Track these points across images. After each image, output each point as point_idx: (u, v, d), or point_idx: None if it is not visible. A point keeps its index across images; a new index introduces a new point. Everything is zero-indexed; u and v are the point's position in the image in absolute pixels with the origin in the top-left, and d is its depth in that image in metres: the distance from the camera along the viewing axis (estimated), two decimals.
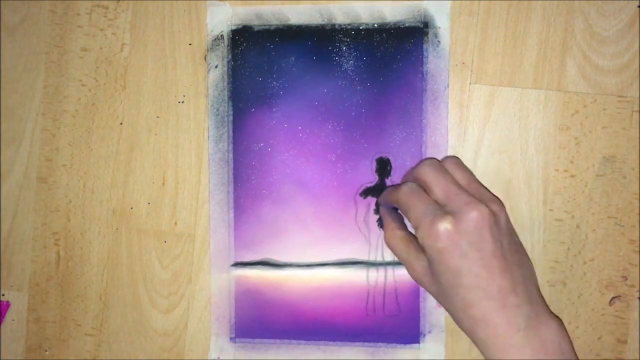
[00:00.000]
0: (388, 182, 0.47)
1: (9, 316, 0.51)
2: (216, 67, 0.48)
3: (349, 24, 0.47)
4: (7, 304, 0.51)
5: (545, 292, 0.46)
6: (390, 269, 0.48)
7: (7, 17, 0.50)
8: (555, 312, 0.46)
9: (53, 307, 0.51)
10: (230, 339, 0.49)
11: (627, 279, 0.46)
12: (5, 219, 0.51)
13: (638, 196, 0.46)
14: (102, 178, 0.50)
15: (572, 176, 0.46)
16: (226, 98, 0.48)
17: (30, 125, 0.50)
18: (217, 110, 0.49)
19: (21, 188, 0.50)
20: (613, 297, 0.46)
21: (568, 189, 0.46)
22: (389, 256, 0.48)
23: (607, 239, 0.46)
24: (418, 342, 0.48)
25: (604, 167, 0.46)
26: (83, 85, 0.50)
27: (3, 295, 0.51)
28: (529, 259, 0.41)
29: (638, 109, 0.45)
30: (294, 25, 0.48)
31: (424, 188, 0.41)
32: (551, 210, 0.46)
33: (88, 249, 0.50)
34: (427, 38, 0.47)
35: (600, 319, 0.46)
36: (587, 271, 0.46)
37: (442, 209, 0.38)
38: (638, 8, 0.45)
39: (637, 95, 0.45)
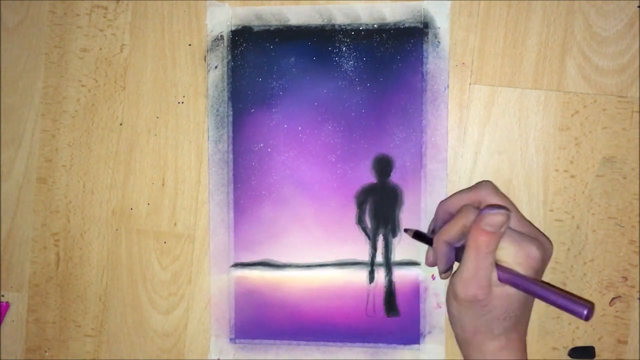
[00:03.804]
0: (388, 182, 0.47)
1: (8, 317, 0.51)
2: (216, 67, 0.48)
3: (348, 25, 0.47)
4: (7, 305, 0.51)
5: None
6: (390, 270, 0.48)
7: (7, 17, 0.50)
8: (556, 313, 0.46)
9: (53, 308, 0.51)
10: (230, 339, 0.49)
11: (627, 279, 0.46)
12: (4, 220, 0.51)
13: (638, 196, 0.46)
14: (102, 179, 0.50)
15: (572, 176, 0.46)
16: (226, 99, 0.48)
17: (29, 126, 0.50)
18: (217, 110, 0.48)
19: (21, 189, 0.50)
20: (613, 298, 0.46)
21: (568, 189, 0.46)
22: (389, 257, 0.48)
23: (607, 239, 0.46)
24: (418, 342, 0.47)
25: (604, 168, 0.46)
26: (83, 85, 0.50)
27: (3, 296, 0.51)
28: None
29: (638, 110, 0.45)
30: (294, 26, 0.48)
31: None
32: (551, 210, 0.46)
33: (88, 249, 0.50)
34: (427, 38, 0.47)
35: (601, 319, 0.46)
36: (587, 272, 0.46)
37: None
38: (638, 8, 0.45)
39: (637, 96, 0.45)
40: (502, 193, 0.42)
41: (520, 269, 0.38)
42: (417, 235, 0.45)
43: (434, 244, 0.42)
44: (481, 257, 0.38)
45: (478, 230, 0.38)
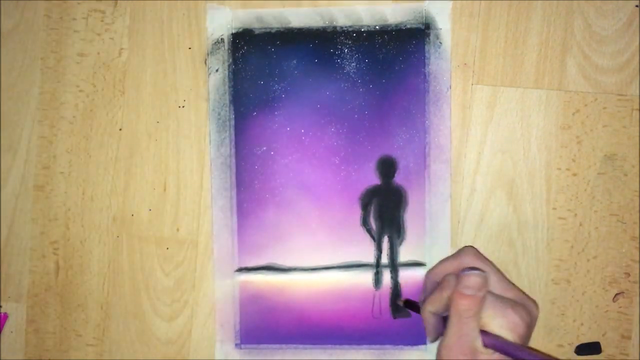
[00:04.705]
0: (392, 183, 0.47)
1: (7, 328, 0.50)
2: (217, 71, 0.48)
3: (350, 26, 0.47)
4: (5, 316, 0.50)
5: (550, 290, 0.47)
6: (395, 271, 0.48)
7: (1, 22, 0.49)
8: (560, 310, 0.47)
9: (53, 318, 0.50)
10: (236, 345, 0.48)
11: (629, 275, 0.46)
12: (2, 229, 0.49)
13: (638, 193, 0.46)
14: (102, 185, 0.49)
15: (575, 174, 0.46)
16: (227, 102, 0.48)
17: (26, 133, 0.49)
18: (219, 114, 0.48)
19: (18, 197, 0.49)
20: (617, 294, 0.47)
21: (570, 187, 0.47)
22: (394, 258, 0.48)
23: (610, 236, 0.46)
24: (425, 343, 0.48)
25: (605, 165, 0.46)
26: (81, 91, 0.49)
27: (1, 306, 0.50)
28: None
29: (638, 107, 0.46)
30: (295, 28, 0.47)
31: None
32: (554, 208, 0.47)
33: (88, 257, 0.49)
34: (429, 39, 0.47)
35: (605, 315, 0.47)
36: (590, 268, 0.47)
37: None
38: (636, 7, 0.46)
39: (637, 94, 0.46)
40: (485, 257, 0.42)
41: (506, 336, 0.38)
42: (408, 304, 0.46)
43: (422, 314, 0.42)
44: (463, 322, 0.38)
45: (457, 294, 0.38)
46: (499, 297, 0.39)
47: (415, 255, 0.47)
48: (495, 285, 0.40)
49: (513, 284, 0.41)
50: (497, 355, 0.38)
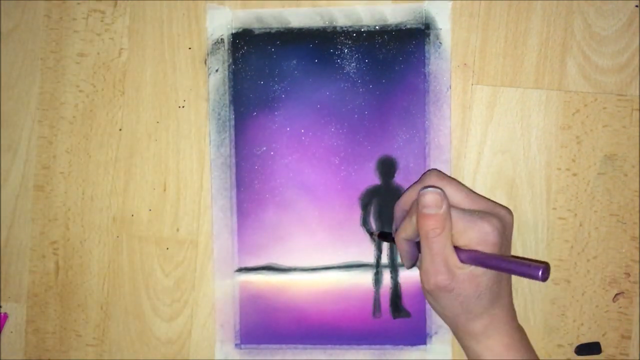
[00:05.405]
0: (392, 183, 0.47)
1: (7, 328, 0.50)
2: (217, 71, 0.48)
3: (350, 26, 0.47)
4: (5, 316, 0.50)
5: (550, 290, 0.47)
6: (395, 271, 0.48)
7: (1, 22, 0.49)
8: (560, 310, 0.47)
9: (52, 318, 0.50)
10: (236, 345, 0.48)
11: (629, 275, 0.46)
12: (2, 229, 0.49)
13: (639, 193, 0.46)
14: (102, 185, 0.49)
15: (575, 175, 0.46)
16: (227, 102, 0.48)
17: (26, 133, 0.49)
18: (219, 114, 0.48)
19: (18, 197, 0.49)
20: (617, 294, 0.47)
21: (570, 187, 0.47)
22: (394, 258, 0.48)
23: (610, 236, 0.46)
24: (425, 343, 0.48)
25: (605, 165, 0.46)
26: (80, 91, 0.49)
27: (1, 307, 0.50)
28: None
29: (638, 107, 0.46)
30: (295, 28, 0.47)
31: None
32: (554, 209, 0.47)
33: (88, 257, 0.49)
34: (429, 39, 0.47)
35: (605, 315, 0.47)
36: (590, 269, 0.47)
37: None
38: (636, 7, 0.46)
39: (637, 94, 0.46)
40: (447, 176, 0.42)
41: (480, 248, 0.38)
42: (381, 236, 0.47)
43: (396, 243, 0.43)
44: (432, 243, 0.38)
45: (420, 216, 0.38)
46: (467, 211, 0.39)
47: None
48: (463, 201, 0.40)
49: (481, 196, 0.42)
50: (473, 268, 0.38)
